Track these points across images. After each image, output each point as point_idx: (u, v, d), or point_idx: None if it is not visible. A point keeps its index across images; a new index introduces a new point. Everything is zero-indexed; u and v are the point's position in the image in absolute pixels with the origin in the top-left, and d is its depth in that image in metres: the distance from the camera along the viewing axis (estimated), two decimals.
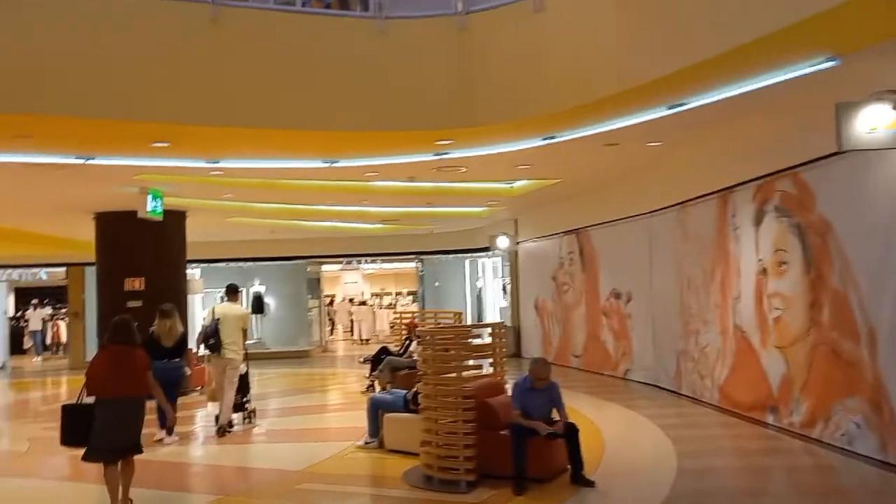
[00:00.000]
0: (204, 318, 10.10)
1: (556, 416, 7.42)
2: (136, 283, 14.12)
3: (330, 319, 28.36)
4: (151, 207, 11.79)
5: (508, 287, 20.54)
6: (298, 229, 18.73)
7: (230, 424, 10.00)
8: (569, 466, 7.21)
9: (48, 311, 24.98)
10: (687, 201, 11.34)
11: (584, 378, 14.69)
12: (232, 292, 10.49)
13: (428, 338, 7.73)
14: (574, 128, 8.77)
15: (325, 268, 25.13)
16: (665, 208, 12.07)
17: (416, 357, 13.31)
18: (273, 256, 21.49)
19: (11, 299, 25.22)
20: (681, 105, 7.89)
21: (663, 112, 8.09)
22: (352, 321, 27.60)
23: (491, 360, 8.53)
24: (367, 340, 25.98)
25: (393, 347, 14.58)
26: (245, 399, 10.48)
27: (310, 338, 22.13)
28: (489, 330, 9.05)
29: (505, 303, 20.99)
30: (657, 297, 12.62)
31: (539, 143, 9.31)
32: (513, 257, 19.48)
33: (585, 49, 7.51)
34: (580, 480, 7.06)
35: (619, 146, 9.68)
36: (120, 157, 9.65)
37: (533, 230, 18.37)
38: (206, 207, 14.19)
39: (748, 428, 9.40)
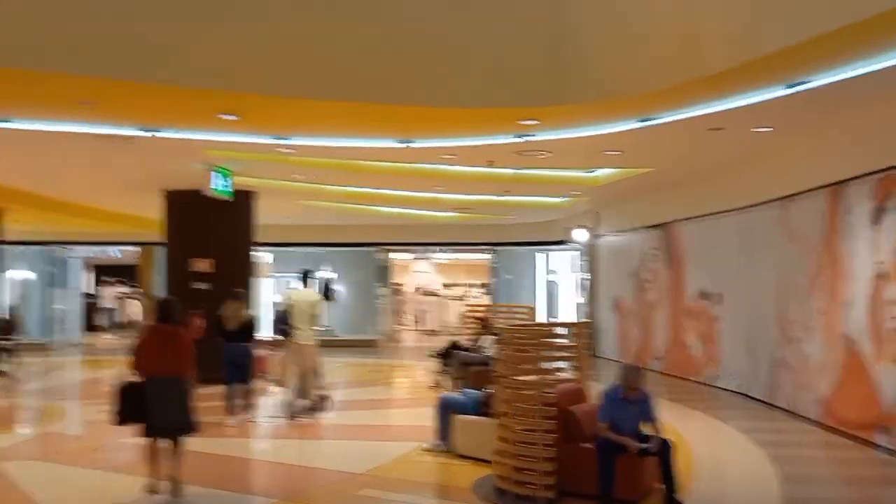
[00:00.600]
0: (279, 304, 10.17)
1: (645, 429, 6.59)
2: (203, 265, 13.81)
3: (398, 309, 27.92)
4: (220, 186, 11.39)
5: (585, 283, 19.60)
6: (369, 215, 18.22)
7: (303, 410, 9.89)
8: (660, 487, 6.39)
9: (122, 288, 25.28)
10: (791, 196, 10.28)
11: (666, 383, 13.72)
12: (306, 278, 10.42)
13: (505, 336, 6.99)
14: (675, 109, 7.88)
15: (395, 256, 24.65)
16: (765, 203, 11.01)
17: (487, 352, 12.64)
18: (343, 242, 21.08)
19: (89, 277, 25.62)
20: (802, 83, 6.93)
21: (780, 91, 7.14)
22: (420, 311, 27.07)
23: (570, 363, 7.73)
24: (435, 332, 25.40)
25: (463, 342, 13.91)
26: (318, 386, 10.39)
27: (378, 327, 21.67)
28: (568, 329, 8.26)
29: (580, 299, 20.06)
30: (751, 299, 11.57)
31: (634, 125, 8.45)
32: (591, 251, 18.54)
33: (695, 17, 6.61)
34: None
35: (724, 131, 8.72)
36: (186, 131, 9.22)
37: (615, 223, 17.40)
38: (276, 189, 13.77)
39: (857, 450, 8.38)
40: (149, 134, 9.10)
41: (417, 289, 30.04)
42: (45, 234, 20.24)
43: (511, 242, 21.08)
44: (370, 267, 21.83)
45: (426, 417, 9.37)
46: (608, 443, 6.29)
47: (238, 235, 14.16)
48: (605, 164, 11.98)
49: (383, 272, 22.79)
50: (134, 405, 6.18)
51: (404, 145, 9.76)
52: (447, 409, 8.34)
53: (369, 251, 21.53)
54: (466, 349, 13.14)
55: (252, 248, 14.44)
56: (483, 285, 30.47)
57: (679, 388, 13.04)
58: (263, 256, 21.27)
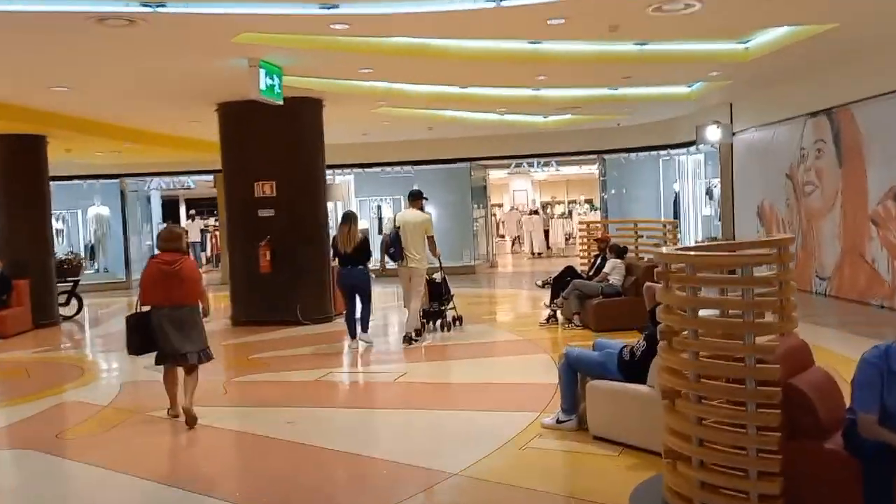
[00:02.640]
0: (386, 226, 9.64)
1: None
2: (265, 188, 11.46)
3: (497, 232, 25.27)
4: (266, 86, 8.84)
5: (717, 190, 16.26)
6: (460, 124, 15.38)
7: (418, 333, 9.49)
8: None
9: (208, 221, 23.65)
10: None
11: (839, 309, 10.63)
12: (414, 198, 9.70)
13: (675, 269, 4.15)
14: None
15: (491, 174, 21.83)
16: None
17: (612, 280, 9.81)
18: (433, 159, 18.36)
19: (174, 211, 24.10)
20: None
21: None
22: (522, 233, 24.27)
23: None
24: (540, 254, 22.63)
25: (580, 267, 11.13)
26: (443, 307, 10.00)
27: (475, 252, 19.06)
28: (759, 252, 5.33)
29: (710, 210, 16.77)
30: None
31: None
32: (725, 152, 15.14)
33: None
34: None
35: None
36: (197, 3, 6.64)
37: (757, 115, 13.91)
38: (343, 92, 11.13)
39: None
40: (150, 9, 6.57)
41: (515, 208, 27.18)
42: (114, 167, 18.51)
43: (625, 149, 17.80)
44: (465, 186, 19.05)
45: (541, 371, 7.26)
46: (878, 448, 3.48)
47: (303, 152, 11.67)
48: (771, 21, 8.68)
49: (479, 192, 20.02)
50: (142, 336, 6.14)
51: (494, 4, 6.87)
52: (574, 372, 5.68)
53: (463, 168, 18.74)
54: (585, 277, 10.36)
55: (321, 166, 11.93)
56: (588, 201, 27.35)
57: (862, 316, 9.91)
58: (343, 179, 18.99)
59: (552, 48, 9.54)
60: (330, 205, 18.80)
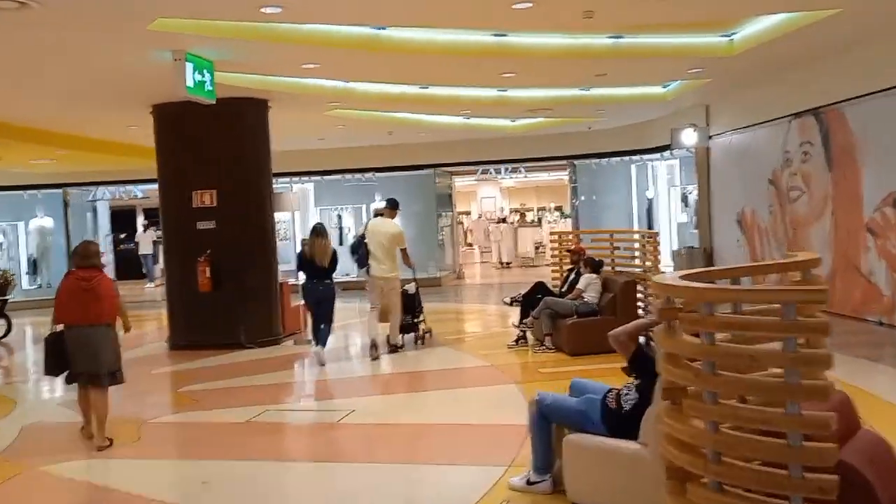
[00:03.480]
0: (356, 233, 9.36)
1: None
2: (205, 198, 10.25)
3: (464, 241, 24.23)
4: (195, 82, 7.66)
5: (693, 197, 15.37)
6: (422, 128, 14.29)
7: (393, 348, 9.15)
8: None
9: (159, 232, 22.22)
10: None
11: (832, 327, 9.62)
12: (391, 207, 9.35)
13: (681, 304, 3.06)
14: None
15: (457, 181, 20.78)
16: None
17: (587, 298, 8.77)
18: (395, 166, 17.23)
19: (138, 221, 22.66)
20: None
21: None
22: (489, 243, 23.21)
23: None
24: (509, 264, 21.59)
25: (551, 283, 10.08)
26: (416, 320, 9.60)
27: (441, 263, 17.95)
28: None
29: (686, 218, 15.86)
30: None
31: None
32: (702, 157, 14.24)
33: None
34: None
35: None
36: None
37: (735, 118, 13.02)
38: (289, 91, 9.99)
39: None
40: None
41: (483, 217, 26.15)
42: (56, 175, 17.10)
43: (597, 154, 16.82)
44: (429, 194, 17.94)
45: (507, 405, 6.29)
46: None
47: (247, 158, 10.46)
48: (769, 5, 7.72)
49: (445, 199, 18.93)
50: (57, 356, 5.87)
51: None
52: (548, 420, 4.58)
53: (427, 175, 17.63)
54: (557, 293, 9.31)
55: (268, 173, 10.73)
56: (558, 208, 26.43)
57: (862, 334, 8.97)
58: (301, 187, 17.82)
59: (520, 41, 8.54)
60: (284, 216, 17.76)
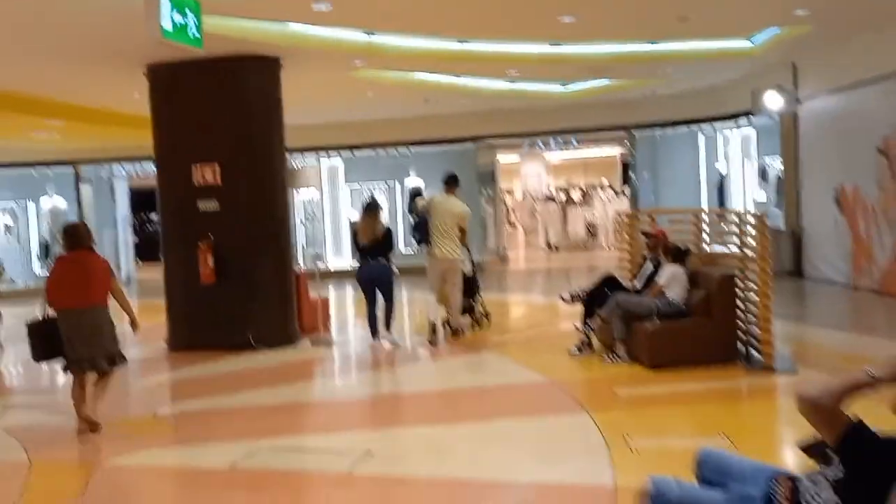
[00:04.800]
0: (418, 207, 8.57)
1: None
2: (206, 174, 8.62)
3: (508, 222, 22.36)
4: (174, 24, 5.96)
5: (774, 171, 13.30)
6: (462, 94, 12.46)
7: (454, 332, 8.53)
8: None
9: None
10: None
11: None
12: (450, 183, 8.54)
13: None
14: None
15: (500, 156, 18.89)
16: None
17: (671, 295, 6.92)
18: (432, 139, 15.45)
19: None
20: None
21: None
22: (536, 223, 21.30)
23: None
24: (557, 248, 19.69)
25: (623, 273, 8.24)
26: (473, 302, 9.07)
27: (483, 245, 16.15)
28: None
29: (765, 196, 13.78)
30: None
31: None
32: (788, 124, 12.15)
33: None
34: None
35: None
36: None
37: (832, 76, 10.91)
38: (304, 45, 8.27)
39: None
40: None
41: (527, 195, 24.20)
42: (66, 151, 15.70)
43: (661, 122, 14.77)
44: (470, 172, 16.10)
45: (576, 448, 4.78)
46: None
47: (256, 128, 8.78)
48: None
49: (487, 177, 17.08)
50: (49, 341, 5.56)
51: None
52: None
53: (468, 150, 15.79)
54: (631, 289, 7.46)
55: (280, 145, 9.03)
56: (612, 186, 24.33)
57: None
58: (326, 163, 16.17)
59: None
60: (312, 194, 16.13)
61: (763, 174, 13.87)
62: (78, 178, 16.43)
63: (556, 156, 26.70)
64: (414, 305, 12.12)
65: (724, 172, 14.70)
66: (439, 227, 8.17)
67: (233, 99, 8.61)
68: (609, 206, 19.36)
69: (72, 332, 5.51)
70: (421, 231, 8.34)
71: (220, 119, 8.61)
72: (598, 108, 14.44)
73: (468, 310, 8.95)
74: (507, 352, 7.96)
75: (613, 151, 25.76)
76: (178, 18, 5.99)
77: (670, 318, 6.81)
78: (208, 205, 8.63)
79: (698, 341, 6.71)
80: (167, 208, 9.02)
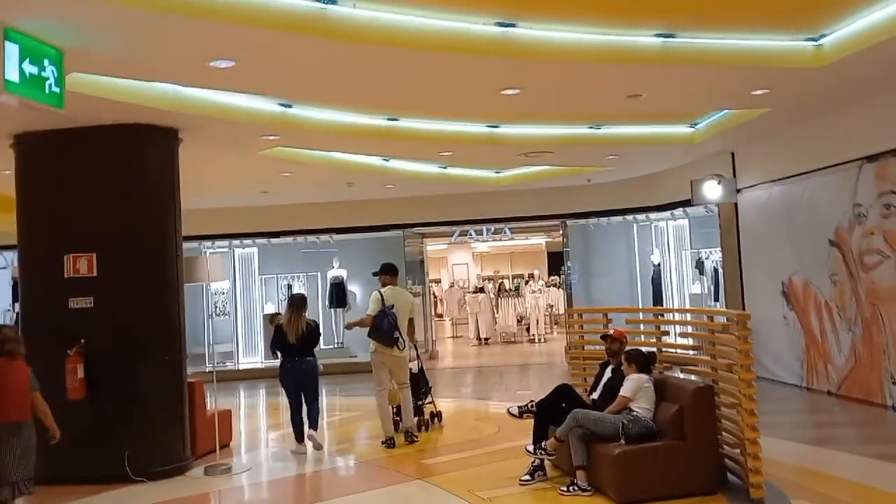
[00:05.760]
0: (372, 308, 7.75)
1: None
2: (80, 265, 7.06)
3: (437, 314, 21.12)
4: (23, 74, 4.60)
5: (711, 263, 12.63)
6: (390, 178, 11.38)
7: (408, 433, 7.89)
8: None
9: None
10: None
11: None
12: (390, 273, 8.14)
13: None
14: None
15: (429, 245, 17.82)
16: None
17: (638, 411, 5.72)
18: (357, 226, 14.23)
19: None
20: None
21: None
22: (466, 315, 20.08)
23: None
24: (487, 340, 18.48)
25: (576, 381, 7.03)
26: (421, 402, 8.52)
27: (410, 341, 14.71)
28: None
29: (701, 288, 13.05)
30: None
31: None
32: (727, 215, 11.52)
33: None
34: None
35: None
36: None
37: (775, 165, 10.34)
38: (205, 114, 6.97)
39: None
40: None
41: (456, 285, 23.12)
42: None
43: (596, 212, 14.01)
44: (397, 260, 14.82)
45: None
46: None
47: (145, 210, 7.33)
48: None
49: (415, 266, 15.89)
50: None
51: None
52: None
53: (395, 238, 14.61)
54: (588, 402, 6.23)
55: (173, 230, 7.56)
56: (530, 276, 23.53)
57: None
58: (245, 251, 14.70)
59: (533, 36, 5.69)
60: (222, 286, 14.49)
61: (699, 266, 13.19)
62: None
63: (483, 245, 25.98)
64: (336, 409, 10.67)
65: (657, 263, 13.96)
66: (400, 322, 7.72)
67: (117, 176, 7.18)
68: (540, 298, 18.39)
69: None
70: (390, 328, 7.66)
71: (102, 200, 7.14)
72: (530, 196, 13.61)
73: (417, 411, 8.33)
74: (440, 479, 6.52)
75: (540, 241, 25.23)
76: (30, 69, 4.63)
77: (640, 441, 5.58)
78: (81, 301, 7.04)
79: (672, 468, 5.49)
80: (30, 306, 7.34)
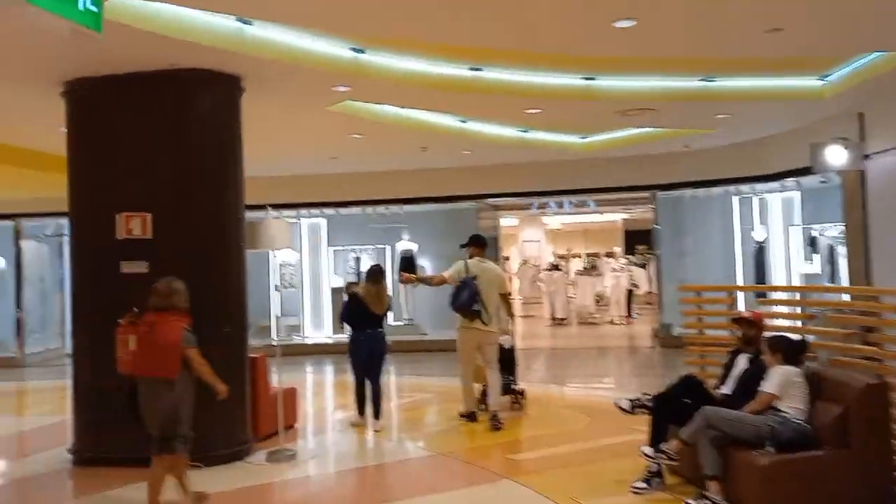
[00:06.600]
0: (452, 274, 7.41)
1: None
2: (134, 225, 6.38)
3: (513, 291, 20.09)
4: None
5: (827, 240, 11.28)
6: (467, 142, 10.43)
7: (494, 417, 7.23)
8: None
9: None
10: None
11: None
12: (479, 245, 7.70)
13: None
14: None
15: (501, 220, 16.87)
16: None
17: (787, 411, 4.65)
18: (429, 196, 13.36)
19: None
20: None
21: None
22: (542, 294, 19.01)
23: None
24: (563, 320, 17.42)
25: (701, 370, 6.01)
26: (511, 378, 7.97)
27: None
28: None
29: (816, 267, 11.71)
30: None
31: None
32: (852, 184, 10.14)
33: None
34: None
35: None
36: None
37: None
38: (269, 56, 6.16)
39: None
40: None
41: (531, 263, 22.09)
42: (8, 203, 13.45)
43: (693, 182, 12.72)
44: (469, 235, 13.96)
45: None
46: None
47: (205, 167, 6.60)
48: None
49: (489, 242, 14.88)
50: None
51: None
52: None
53: (469, 210, 13.66)
54: (719, 399, 5.20)
55: (237, 192, 6.81)
56: (610, 254, 22.33)
57: None
58: (314, 222, 14.08)
59: None
60: (292, 257, 13.92)
61: (812, 243, 11.82)
62: (18, 235, 14.10)
63: (555, 221, 24.84)
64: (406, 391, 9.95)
65: (761, 240, 12.62)
66: (483, 295, 7.25)
67: (174, 128, 6.47)
68: (621, 277, 17.22)
69: (140, 403, 5.05)
70: (471, 299, 7.21)
71: (156, 154, 6.44)
72: (617, 165, 12.44)
73: (506, 389, 7.83)
74: (532, 481, 5.60)
75: (616, 217, 23.93)
76: None
77: (792, 447, 4.54)
78: (135, 266, 6.36)
79: (835, 482, 4.45)
80: (79, 272, 6.71)
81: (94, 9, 4.11)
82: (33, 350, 14.00)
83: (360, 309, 7.46)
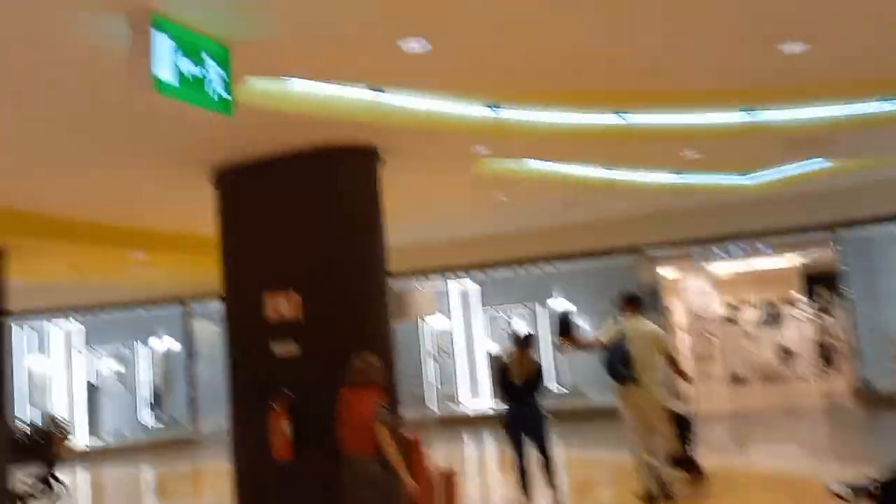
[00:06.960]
0: (603, 336, 7.12)
1: None
2: (281, 305, 6.36)
3: (677, 348, 18.79)
4: (178, 72, 3.82)
5: None
6: (617, 193, 9.85)
7: (667, 496, 6.70)
8: None
9: None
10: None
11: None
12: (632, 303, 7.21)
13: None
14: None
15: (660, 270, 15.84)
16: None
17: None
18: (580, 252, 12.77)
19: None
20: None
21: None
22: (713, 349, 17.57)
23: None
24: (744, 380, 15.90)
25: None
26: (689, 448, 7.21)
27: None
28: None
29: None
30: None
31: None
32: None
33: None
34: None
35: None
36: None
37: None
38: (408, 126, 6.02)
39: None
40: None
41: (695, 316, 20.60)
42: (176, 286, 14.32)
43: (882, 217, 11.28)
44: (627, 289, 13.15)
45: None
46: None
47: (348, 242, 6.51)
48: None
49: (648, 296, 13.98)
50: None
51: None
52: None
53: (623, 263, 12.92)
54: None
55: (380, 264, 6.67)
56: (790, 301, 20.36)
57: None
58: (462, 289, 13.88)
59: None
60: (444, 324, 13.76)
61: None
62: (187, 316, 14.97)
63: (721, 268, 23.20)
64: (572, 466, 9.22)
65: None
66: (638, 356, 6.78)
67: (317, 207, 6.46)
68: (805, 327, 15.57)
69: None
70: (622, 363, 6.79)
71: (300, 235, 6.44)
72: (787, 204, 11.30)
73: (681, 461, 7.10)
74: None
75: (791, 261, 21.98)
76: (187, 67, 3.84)
77: None
78: (285, 347, 6.31)
79: None
80: (233, 350, 6.77)
81: (225, 95, 4.10)
82: (209, 429, 14.60)
83: (505, 379, 7.07)
